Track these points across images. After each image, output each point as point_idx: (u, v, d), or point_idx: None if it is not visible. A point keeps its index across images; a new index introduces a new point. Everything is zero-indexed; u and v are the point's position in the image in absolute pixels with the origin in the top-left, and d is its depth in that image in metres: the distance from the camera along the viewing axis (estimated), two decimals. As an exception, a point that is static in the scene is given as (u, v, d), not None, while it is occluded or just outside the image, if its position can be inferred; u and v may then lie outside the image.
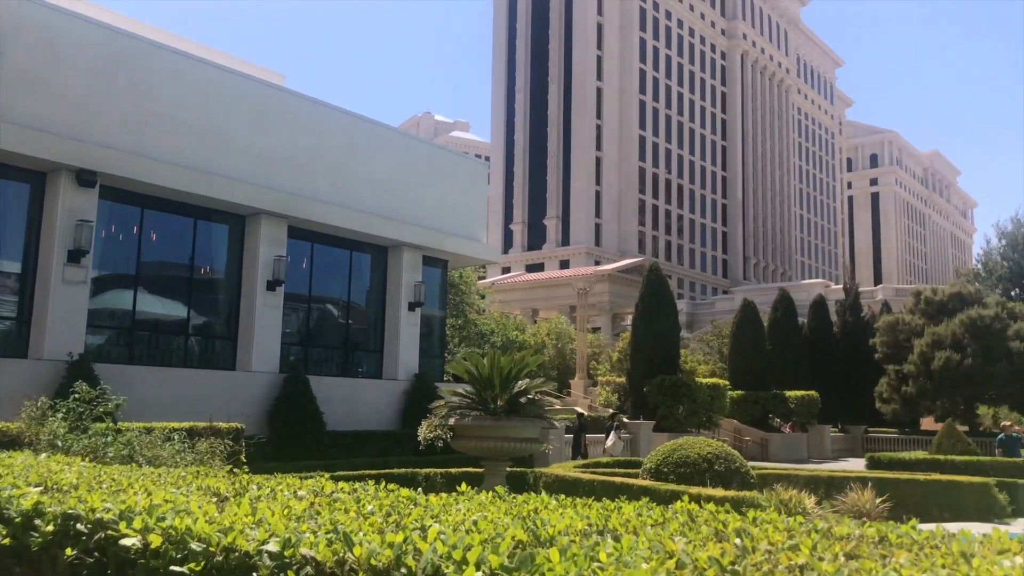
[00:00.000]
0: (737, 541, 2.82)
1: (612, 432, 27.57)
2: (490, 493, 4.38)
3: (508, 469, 14.94)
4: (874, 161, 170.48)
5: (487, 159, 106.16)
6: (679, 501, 3.93)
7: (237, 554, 3.06)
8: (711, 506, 3.82)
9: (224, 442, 13.26)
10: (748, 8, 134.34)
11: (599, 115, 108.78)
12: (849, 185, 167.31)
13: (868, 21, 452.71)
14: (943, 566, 2.74)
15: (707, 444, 16.56)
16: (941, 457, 23.15)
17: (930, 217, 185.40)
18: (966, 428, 35.31)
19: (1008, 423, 27.81)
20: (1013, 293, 48.19)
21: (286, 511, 3.74)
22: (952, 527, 4.12)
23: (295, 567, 2.90)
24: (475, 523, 3.36)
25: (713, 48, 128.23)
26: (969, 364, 38.82)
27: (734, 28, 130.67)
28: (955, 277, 60.01)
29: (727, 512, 3.67)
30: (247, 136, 21.76)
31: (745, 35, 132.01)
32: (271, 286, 21.87)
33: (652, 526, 3.31)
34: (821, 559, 2.66)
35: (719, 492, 13.61)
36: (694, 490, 13.70)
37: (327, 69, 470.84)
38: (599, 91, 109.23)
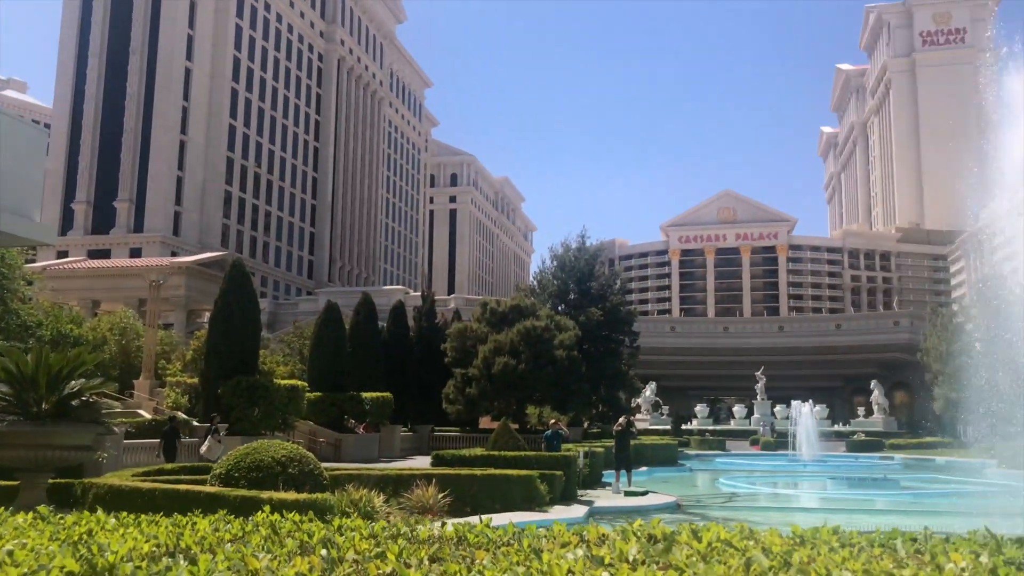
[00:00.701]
0: (324, 553, 2.65)
1: (210, 436, 25.96)
2: (30, 514, 3.62)
3: (50, 481, 13.07)
4: (454, 180, 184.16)
5: (48, 127, 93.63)
6: (260, 512, 3.64)
7: None
8: (295, 516, 3.60)
9: None
10: (347, 15, 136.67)
11: (186, 97, 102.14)
12: (431, 200, 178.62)
13: (455, 50, 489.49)
14: (518, 563, 2.85)
15: (282, 447, 16.22)
16: (496, 453, 25.24)
17: (498, 236, 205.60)
18: (517, 426, 39.34)
19: (554, 420, 31.59)
20: (560, 308, 55.15)
21: None
22: (516, 517, 4.38)
23: None
24: (10, 554, 2.72)
25: (311, 48, 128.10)
26: (523, 369, 43.47)
27: (332, 32, 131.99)
28: (515, 291, 66.92)
29: (310, 521, 3.48)
30: None
31: (343, 41, 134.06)
32: None
33: (232, 542, 2.99)
34: (408, 565, 2.60)
35: (291, 496, 13.38)
36: (266, 495, 13.29)
37: None
38: (188, 71, 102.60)
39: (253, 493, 13.43)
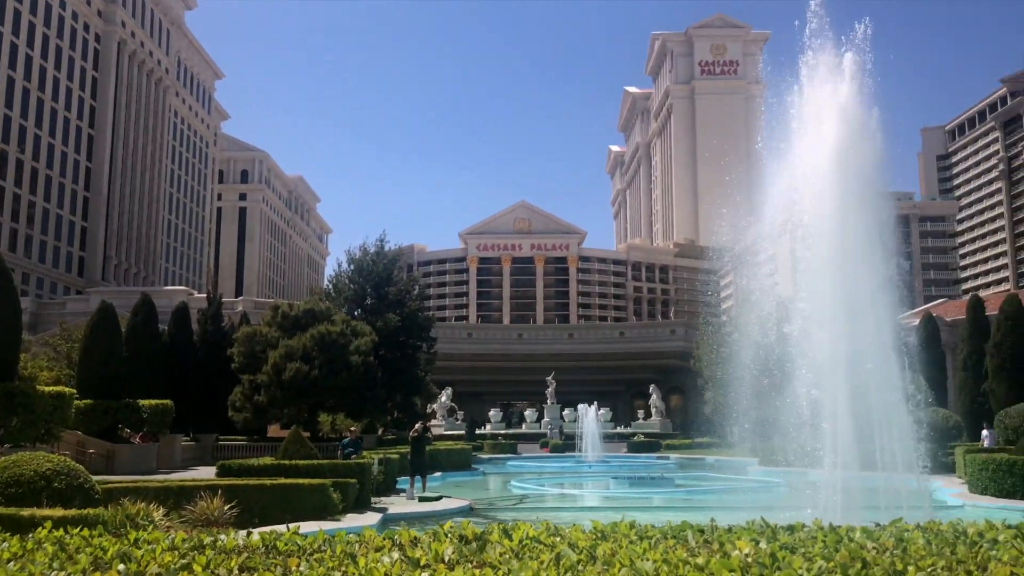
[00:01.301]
0: (122, 567, 2.42)
1: None
2: None
3: None
4: (244, 177, 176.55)
5: None
6: (42, 528, 3.28)
7: None
8: (84, 531, 3.28)
9: None
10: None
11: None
12: (219, 197, 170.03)
13: (249, 42, 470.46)
14: (334, 568, 2.77)
15: (46, 460, 14.97)
16: (287, 462, 24.54)
17: (291, 237, 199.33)
18: (309, 434, 38.31)
19: (354, 428, 31.12)
20: (357, 312, 54.34)
21: None
22: (307, 527, 4.27)
23: None
24: None
25: (87, 28, 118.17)
26: (316, 375, 42.40)
27: (112, 13, 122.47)
28: (309, 295, 65.24)
29: (101, 535, 3.17)
30: None
31: (124, 23, 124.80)
32: None
33: (13, 561, 2.65)
34: (218, 577, 2.46)
35: (57, 512, 12.35)
36: (26, 511, 12.17)
37: None
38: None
39: (11, 511, 12.25)
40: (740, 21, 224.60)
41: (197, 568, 2.55)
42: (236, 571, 2.64)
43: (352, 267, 57.40)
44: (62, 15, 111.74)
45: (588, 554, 3.52)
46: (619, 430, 78.38)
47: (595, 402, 66.35)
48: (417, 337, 56.47)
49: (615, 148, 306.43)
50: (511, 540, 3.57)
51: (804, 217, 21.58)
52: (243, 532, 3.46)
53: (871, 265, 19.62)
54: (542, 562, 3.18)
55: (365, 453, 30.29)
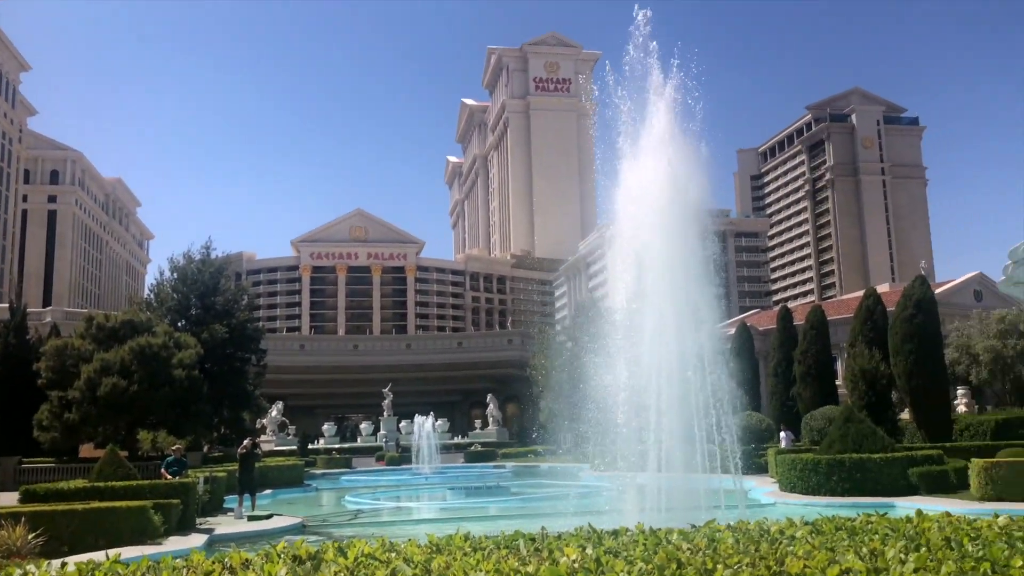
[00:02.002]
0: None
1: None
2: None
3: None
4: (55, 178, 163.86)
5: None
6: None
7: None
8: None
9: None
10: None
11: None
12: (25, 198, 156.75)
13: (62, 33, 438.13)
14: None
15: None
16: (102, 484, 23.13)
17: (108, 243, 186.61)
18: (127, 453, 36.06)
19: (178, 445, 29.55)
20: (180, 324, 51.55)
21: None
22: (125, 553, 4.09)
23: None
24: None
25: None
26: (136, 390, 39.92)
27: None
28: (128, 305, 61.42)
29: None
30: None
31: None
32: None
33: None
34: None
35: None
36: None
37: None
38: None
39: None
40: (573, 40, 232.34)
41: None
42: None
43: (175, 275, 54.51)
44: None
45: (423, 568, 3.58)
46: (456, 440, 78.77)
47: (432, 413, 66.32)
48: (246, 349, 54.38)
49: (453, 159, 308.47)
50: (346, 558, 3.57)
51: (630, 232, 22.67)
52: (56, 562, 3.26)
53: (691, 278, 20.86)
54: (377, 579, 3.21)
55: (190, 471, 28.89)
